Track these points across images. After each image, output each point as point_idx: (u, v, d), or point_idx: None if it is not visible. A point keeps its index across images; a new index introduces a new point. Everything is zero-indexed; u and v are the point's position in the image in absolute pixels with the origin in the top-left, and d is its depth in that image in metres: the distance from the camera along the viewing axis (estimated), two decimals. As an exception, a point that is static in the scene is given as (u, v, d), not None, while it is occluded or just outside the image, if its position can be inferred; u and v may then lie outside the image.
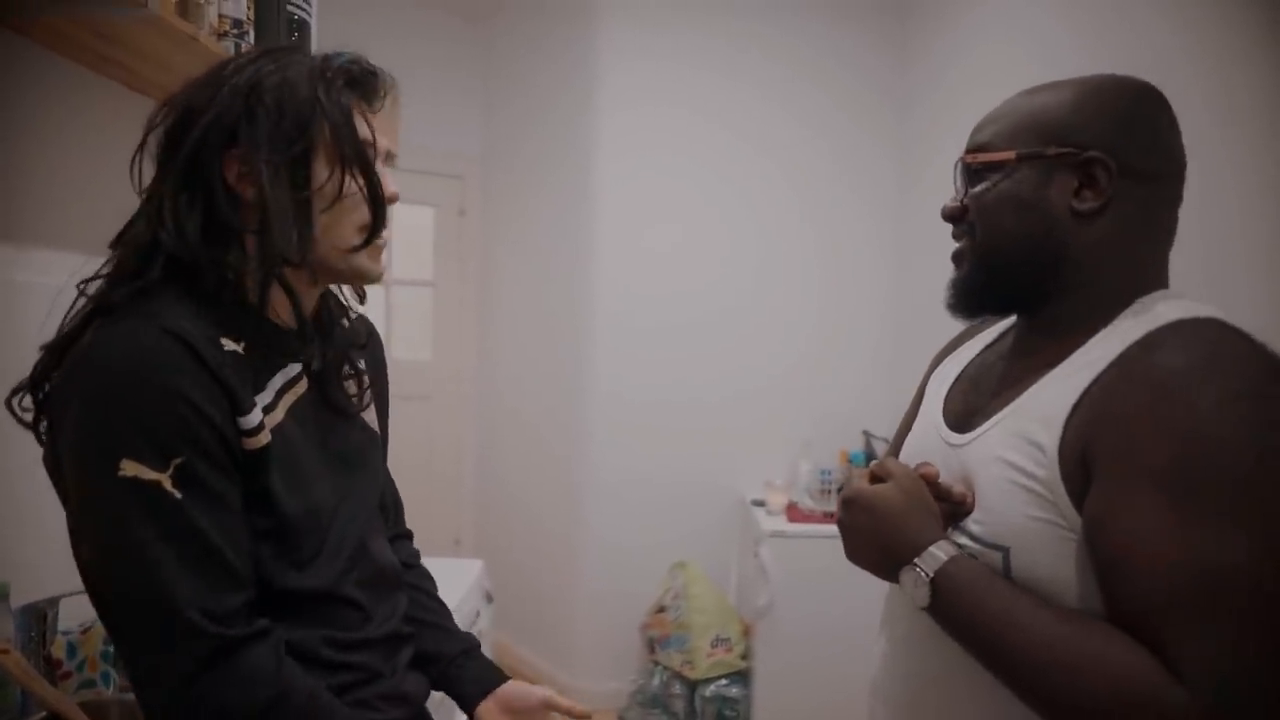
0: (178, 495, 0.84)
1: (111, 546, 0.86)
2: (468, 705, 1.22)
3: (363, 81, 1.01)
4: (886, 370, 3.58)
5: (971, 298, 1.01)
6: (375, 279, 1.06)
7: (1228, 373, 0.80)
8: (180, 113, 0.95)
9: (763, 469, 3.49)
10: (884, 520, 0.92)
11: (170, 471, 0.84)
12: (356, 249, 1.00)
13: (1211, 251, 1.81)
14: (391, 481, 1.29)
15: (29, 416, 0.93)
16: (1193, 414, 0.78)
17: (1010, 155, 0.94)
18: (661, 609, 3.37)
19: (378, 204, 1.00)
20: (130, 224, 0.96)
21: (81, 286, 0.95)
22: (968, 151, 0.99)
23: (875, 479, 0.97)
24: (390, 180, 1.03)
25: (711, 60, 3.58)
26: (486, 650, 2.22)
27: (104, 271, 0.95)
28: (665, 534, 3.54)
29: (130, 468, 0.83)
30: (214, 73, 0.97)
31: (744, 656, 3.21)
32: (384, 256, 1.06)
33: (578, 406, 3.62)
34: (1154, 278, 0.95)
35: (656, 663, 3.31)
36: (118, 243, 0.96)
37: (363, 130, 0.99)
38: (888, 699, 1.06)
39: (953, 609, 0.87)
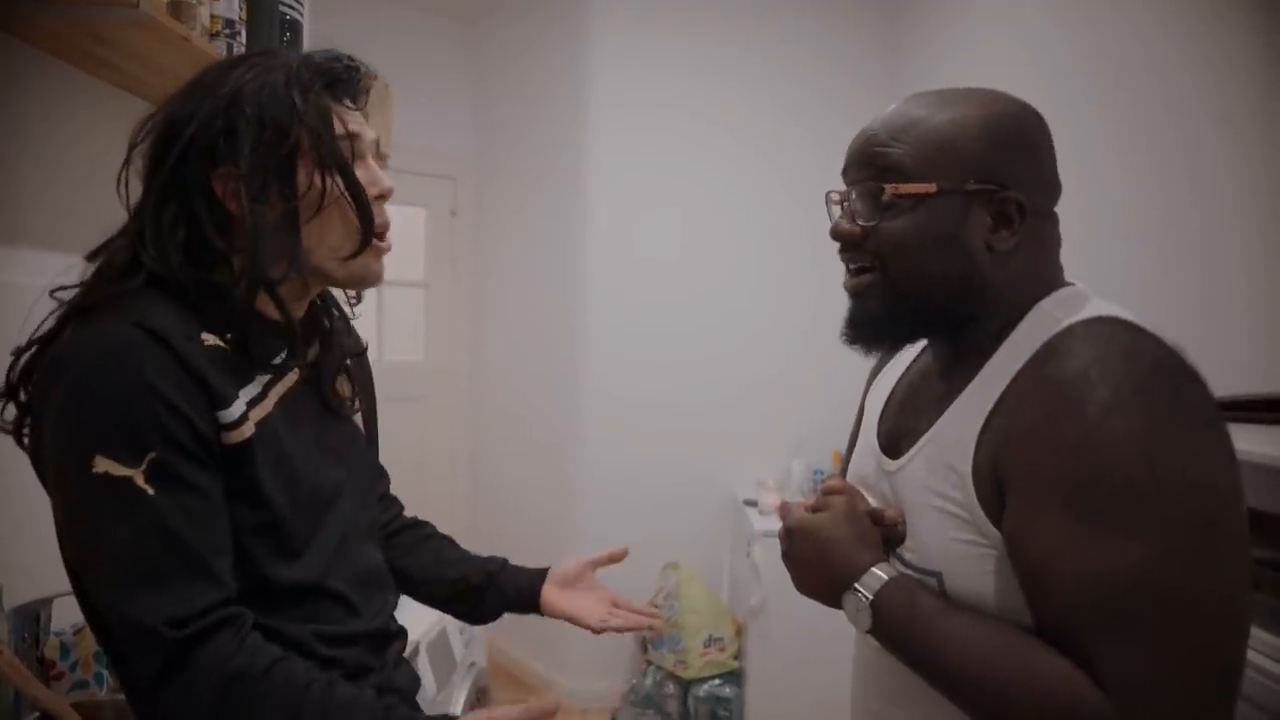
0: (150, 491, 0.84)
1: (84, 546, 0.86)
2: (531, 603, 1.34)
3: (344, 79, 0.99)
4: (878, 370, 3.59)
5: (880, 332, 0.99)
6: (375, 282, 1.04)
7: (1114, 374, 0.79)
8: (162, 128, 0.94)
9: (755, 469, 3.50)
10: (825, 547, 0.94)
11: (143, 467, 0.83)
12: (354, 254, 0.99)
13: (1209, 251, 1.82)
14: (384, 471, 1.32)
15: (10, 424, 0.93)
16: (1081, 425, 0.78)
17: (930, 188, 0.89)
18: (654, 609, 3.36)
19: (361, 205, 0.98)
20: (110, 242, 0.95)
21: (57, 294, 0.94)
22: (878, 172, 0.92)
23: (817, 509, 0.98)
24: (382, 176, 1.02)
25: (703, 60, 3.59)
26: (481, 651, 2.23)
27: (80, 282, 0.94)
28: (658, 534, 3.54)
29: (103, 464, 0.83)
30: (193, 84, 0.95)
31: (737, 656, 3.21)
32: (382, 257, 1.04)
33: (570, 407, 3.62)
34: (1051, 282, 0.95)
35: (649, 663, 3.32)
36: (96, 257, 0.95)
37: (340, 128, 0.97)
38: (867, 704, 1.08)
39: (892, 630, 0.88)
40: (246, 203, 0.91)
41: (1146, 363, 0.81)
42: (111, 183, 0.95)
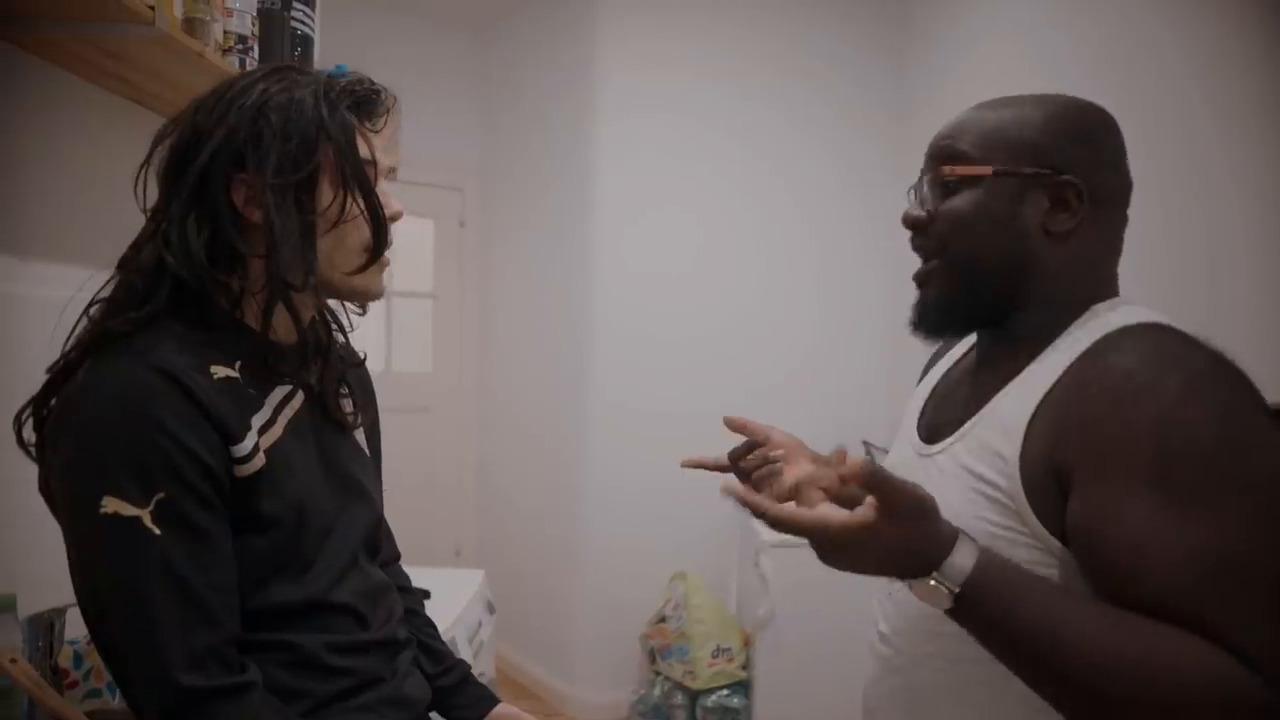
0: (157, 532, 0.84)
1: (92, 584, 0.87)
2: None
3: (366, 101, 1.02)
4: (886, 380, 3.59)
5: (941, 317, 1.01)
6: (377, 296, 1.08)
7: (1179, 362, 0.82)
8: (187, 133, 0.96)
9: (763, 479, 3.48)
10: (882, 552, 0.79)
11: (151, 507, 0.84)
12: (360, 269, 1.02)
13: (1211, 249, 1.82)
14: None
15: (32, 438, 0.95)
16: (1159, 406, 0.80)
17: (987, 170, 0.94)
18: (662, 619, 3.36)
19: (378, 224, 1.01)
20: (136, 246, 0.97)
21: (89, 311, 0.96)
22: (941, 162, 0.98)
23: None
24: (393, 199, 1.05)
25: (710, 69, 3.60)
26: (489, 662, 2.23)
27: (106, 295, 0.96)
28: (665, 543, 3.53)
29: (112, 504, 0.83)
30: (219, 92, 0.97)
31: (744, 667, 3.20)
32: (384, 272, 1.08)
33: (577, 416, 3.62)
34: (1105, 288, 0.98)
35: (658, 673, 3.31)
36: (123, 266, 0.97)
37: (364, 150, 1.00)
38: (882, 713, 1.06)
39: (982, 612, 0.79)
40: (272, 210, 0.93)
41: (1205, 353, 0.83)
42: (118, 194, 0.97)
